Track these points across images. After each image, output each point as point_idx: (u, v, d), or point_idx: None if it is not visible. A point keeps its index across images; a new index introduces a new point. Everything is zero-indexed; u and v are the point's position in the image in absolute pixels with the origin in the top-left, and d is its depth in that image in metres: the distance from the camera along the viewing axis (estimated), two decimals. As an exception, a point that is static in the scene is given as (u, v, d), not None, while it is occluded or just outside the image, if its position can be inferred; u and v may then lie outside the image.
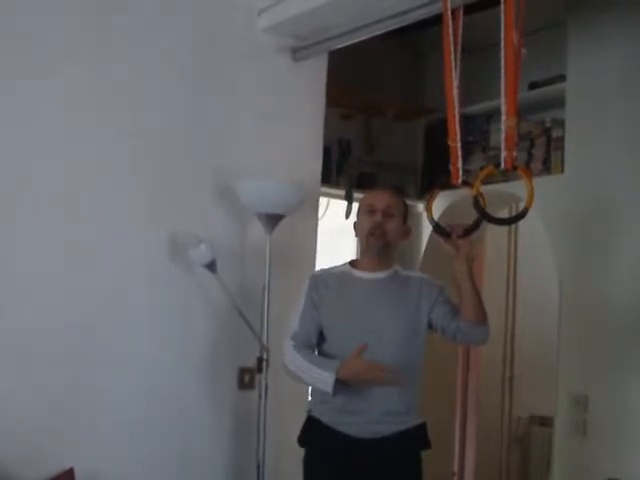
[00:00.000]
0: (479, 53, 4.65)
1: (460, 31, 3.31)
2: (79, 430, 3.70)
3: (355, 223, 3.57)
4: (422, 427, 3.47)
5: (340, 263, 3.61)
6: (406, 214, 3.55)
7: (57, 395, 3.65)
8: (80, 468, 3.60)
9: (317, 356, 3.44)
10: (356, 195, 5.14)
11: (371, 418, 3.37)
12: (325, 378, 3.31)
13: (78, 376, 3.71)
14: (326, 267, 3.71)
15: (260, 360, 3.90)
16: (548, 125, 4.90)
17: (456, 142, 3.24)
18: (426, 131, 5.83)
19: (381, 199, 3.47)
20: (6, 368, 3.54)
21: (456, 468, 6.17)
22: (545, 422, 6.09)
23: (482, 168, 4.19)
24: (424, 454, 3.47)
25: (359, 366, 3.30)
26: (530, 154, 4.97)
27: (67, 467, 3.58)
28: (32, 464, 3.52)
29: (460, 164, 3.24)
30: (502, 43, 3.09)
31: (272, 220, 3.92)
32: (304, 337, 3.46)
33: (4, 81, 3.62)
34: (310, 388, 3.52)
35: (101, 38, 3.85)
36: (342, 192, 5.29)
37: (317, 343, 3.49)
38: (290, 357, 3.43)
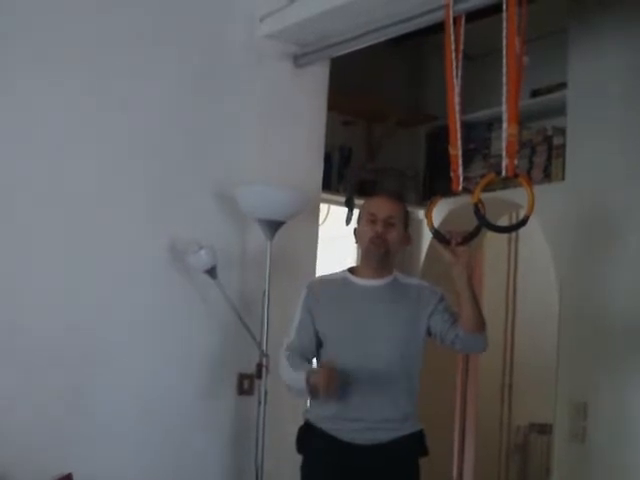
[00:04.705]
0: (481, 60, 4.66)
1: (462, 38, 3.32)
2: (78, 435, 3.70)
3: (356, 230, 3.57)
4: (419, 434, 3.46)
5: (338, 270, 3.61)
6: (407, 221, 3.54)
7: (57, 399, 3.65)
8: (79, 473, 3.59)
9: (298, 360, 3.43)
10: (357, 202, 5.14)
11: (367, 425, 3.37)
12: (300, 375, 3.33)
13: (78, 381, 3.72)
14: (324, 274, 3.72)
15: (259, 366, 3.90)
16: (549, 133, 4.90)
17: (457, 149, 3.24)
18: (427, 138, 5.83)
19: (383, 208, 3.46)
20: (7, 373, 3.54)
21: (455, 476, 6.17)
22: (544, 430, 6.09)
23: (483, 176, 4.19)
24: (423, 461, 3.47)
25: (319, 377, 3.29)
26: (531, 162, 4.97)
27: (66, 472, 3.57)
28: (31, 468, 3.51)
29: (460, 171, 3.24)
30: (504, 50, 3.10)
31: (272, 226, 3.92)
32: (298, 347, 3.47)
33: (4, 81, 3.63)
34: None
35: (102, 41, 3.85)
36: (343, 199, 5.28)
37: (316, 349, 3.49)
38: (281, 367, 3.46)
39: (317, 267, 4.47)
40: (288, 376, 3.43)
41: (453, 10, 3.32)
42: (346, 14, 3.90)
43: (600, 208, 4.30)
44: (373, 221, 3.44)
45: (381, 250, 3.42)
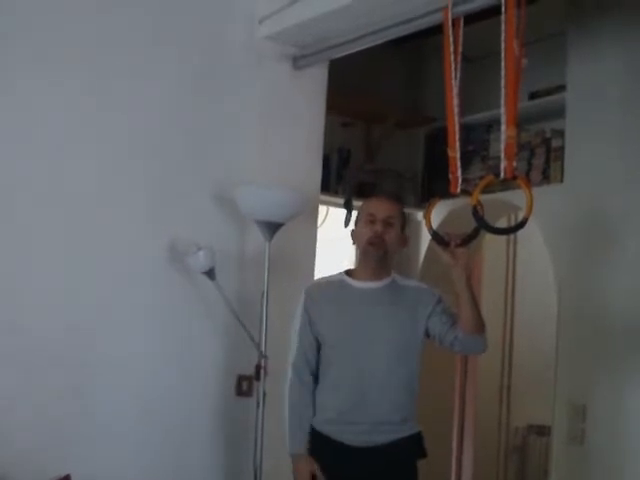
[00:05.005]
0: (480, 62, 4.66)
1: (460, 40, 3.32)
2: (78, 435, 3.70)
3: (353, 231, 3.57)
4: (418, 436, 3.47)
5: (335, 273, 3.61)
6: (404, 222, 3.55)
7: (57, 399, 3.65)
8: (79, 473, 3.59)
9: (299, 418, 3.47)
10: (355, 203, 5.14)
11: (365, 428, 3.38)
12: (289, 442, 3.47)
13: (78, 381, 3.72)
14: (321, 277, 3.72)
15: (258, 368, 3.90)
16: (548, 135, 4.91)
17: (455, 151, 3.25)
18: (426, 139, 5.84)
19: (381, 208, 3.47)
20: (7, 373, 3.54)
21: (453, 477, 6.17)
22: (543, 431, 6.09)
23: (482, 177, 4.19)
24: (421, 463, 3.47)
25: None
26: (530, 164, 4.98)
27: (65, 473, 3.57)
28: (31, 468, 3.51)
29: (459, 173, 3.25)
30: (503, 53, 3.10)
31: (271, 228, 3.92)
32: (303, 364, 3.47)
33: (4, 81, 3.63)
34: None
35: (102, 41, 3.86)
36: (342, 200, 5.28)
37: (317, 352, 3.49)
38: (287, 392, 3.49)
39: (316, 269, 4.47)
40: (284, 414, 3.50)
41: (452, 12, 3.32)
42: (345, 16, 3.90)
43: (598, 211, 4.30)
44: (372, 221, 3.44)
45: (380, 251, 3.42)
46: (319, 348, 3.48)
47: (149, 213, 3.95)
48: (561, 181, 4.68)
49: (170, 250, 3.96)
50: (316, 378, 3.50)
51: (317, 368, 3.49)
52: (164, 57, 4.02)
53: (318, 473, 3.40)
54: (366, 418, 3.37)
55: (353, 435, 3.38)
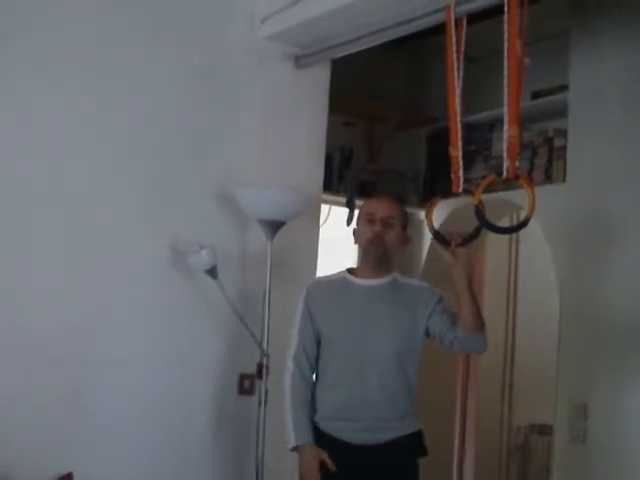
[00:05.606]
0: (482, 62, 4.66)
1: (463, 40, 3.32)
2: (78, 435, 3.70)
3: (354, 231, 3.57)
4: (418, 434, 3.48)
5: (337, 271, 3.61)
6: (406, 222, 3.55)
7: (57, 399, 3.65)
8: (79, 473, 3.59)
9: (303, 409, 3.47)
10: (357, 202, 5.14)
11: (364, 425, 3.39)
12: (293, 433, 3.44)
13: (78, 381, 3.72)
14: (322, 275, 3.73)
15: (260, 366, 3.90)
16: (550, 135, 4.90)
17: (457, 151, 3.25)
18: (429, 139, 5.83)
19: (381, 208, 3.47)
20: (7, 373, 3.54)
21: (455, 476, 6.17)
22: (545, 431, 6.09)
23: (484, 177, 4.19)
24: (422, 462, 3.47)
25: (307, 469, 3.41)
26: (532, 163, 4.97)
27: (66, 471, 3.57)
28: (31, 468, 3.51)
29: (461, 173, 3.25)
30: (505, 52, 3.10)
31: (273, 227, 3.92)
32: (303, 357, 3.49)
33: (4, 81, 3.63)
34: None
35: (102, 41, 3.86)
36: (344, 199, 5.28)
37: (317, 348, 3.50)
38: (286, 386, 3.50)
39: (318, 268, 4.47)
40: (285, 408, 3.49)
41: (455, 12, 3.32)
42: (347, 16, 3.90)
43: (600, 209, 4.30)
44: (371, 221, 3.45)
45: (379, 250, 3.43)
46: (319, 343, 3.49)
47: (149, 213, 3.95)
48: (563, 180, 4.68)
49: (171, 250, 3.96)
50: (315, 373, 3.51)
51: (316, 363, 3.50)
52: (164, 57, 4.02)
53: (327, 460, 3.39)
54: (366, 415, 3.39)
55: (353, 433, 3.39)
